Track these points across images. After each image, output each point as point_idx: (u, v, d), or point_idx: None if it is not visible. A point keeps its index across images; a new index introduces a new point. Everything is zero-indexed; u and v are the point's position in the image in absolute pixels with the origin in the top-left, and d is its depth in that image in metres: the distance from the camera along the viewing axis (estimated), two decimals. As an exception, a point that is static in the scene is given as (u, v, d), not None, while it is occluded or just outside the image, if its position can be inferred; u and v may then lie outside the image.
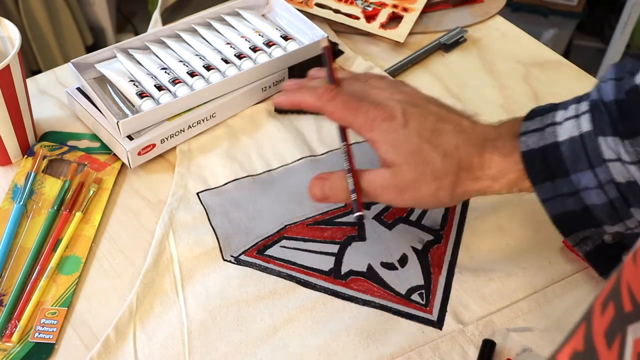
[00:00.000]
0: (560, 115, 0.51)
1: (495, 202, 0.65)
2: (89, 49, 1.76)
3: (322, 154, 0.70)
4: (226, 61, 0.73)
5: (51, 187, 0.66)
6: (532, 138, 0.51)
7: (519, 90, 0.78)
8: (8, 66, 0.62)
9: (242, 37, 0.76)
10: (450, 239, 0.63)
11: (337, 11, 0.86)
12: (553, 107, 0.52)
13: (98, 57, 0.73)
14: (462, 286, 0.59)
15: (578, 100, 0.51)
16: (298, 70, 0.76)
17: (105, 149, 0.70)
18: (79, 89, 0.72)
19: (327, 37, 0.76)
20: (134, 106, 0.69)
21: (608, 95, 0.49)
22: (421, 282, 0.60)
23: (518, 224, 0.64)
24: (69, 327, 0.57)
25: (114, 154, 0.70)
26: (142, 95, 0.69)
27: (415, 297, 0.59)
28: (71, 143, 0.71)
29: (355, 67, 0.79)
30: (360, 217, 0.55)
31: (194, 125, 0.70)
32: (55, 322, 0.57)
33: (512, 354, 0.55)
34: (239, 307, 0.58)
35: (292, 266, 0.61)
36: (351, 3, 0.87)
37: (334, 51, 0.80)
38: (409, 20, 0.85)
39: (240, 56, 0.74)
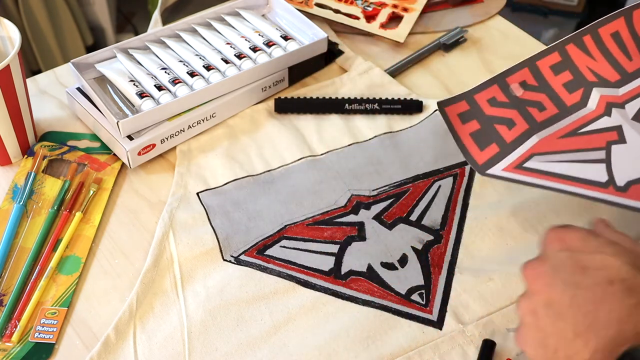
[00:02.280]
0: None
1: (495, 202, 0.65)
2: (89, 49, 1.76)
3: (322, 154, 0.70)
4: (226, 61, 0.73)
5: (51, 187, 0.66)
6: None
7: (519, 90, 0.78)
8: (8, 66, 0.62)
9: (242, 37, 0.76)
10: (450, 239, 0.63)
11: (337, 11, 0.86)
12: None
13: (98, 57, 0.73)
14: (462, 286, 0.59)
15: None
16: (298, 70, 0.76)
17: (105, 149, 0.70)
18: (79, 89, 0.72)
19: (327, 36, 0.76)
20: (134, 106, 0.69)
21: None
22: (421, 282, 0.60)
23: (518, 224, 0.64)
24: (69, 327, 0.57)
25: (114, 154, 0.70)
26: (142, 95, 0.69)
27: (415, 297, 0.59)
28: (71, 143, 0.71)
29: (355, 67, 0.79)
30: None
31: (194, 125, 0.70)
32: (55, 322, 0.57)
33: (512, 354, 0.55)
34: (239, 307, 0.58)
35: (292, 266, 0.61)
36: (351, 3, 0.87)
37: (334, 51, 0.81)
38: (409, 20, 0.85)
39: (240, 56, 0.74)
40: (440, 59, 0.82)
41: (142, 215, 0.65)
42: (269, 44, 0.75)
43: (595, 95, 0.62)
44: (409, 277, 0.60)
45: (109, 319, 0.57)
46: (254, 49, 0.75)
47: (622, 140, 0.59)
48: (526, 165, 0.59)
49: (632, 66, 0.63)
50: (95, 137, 0.71)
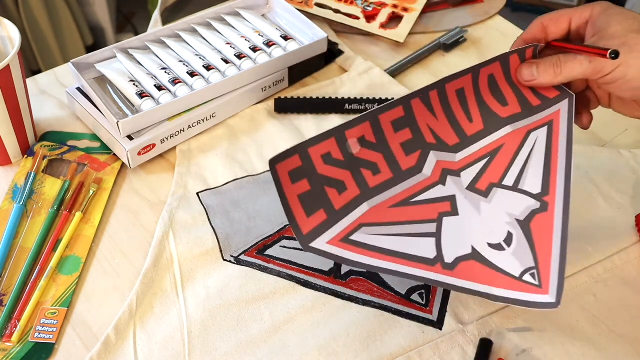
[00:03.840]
0: None
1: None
2: (89, 49, 1.76)
3: (322, 154, 0.70)
4: (226, 61, 0.73)
5: (51, 187, 0.66)
6: None
7: (519, 90, 0.78)
8: (8, 66, 0.62)
9: (242, 37, 0.76)
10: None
11: (337, 11, 0.86)
12: None
13: (98, 57, 0.73)
14: (462, 286, 0.59)
15: None
16: (298, 70, 0.76)
17: (105, 149, 0.70)
18: (79, 89, 0.72)
19: (327, 36, 0.76)
20: (134, 106, 0.69)
21: None
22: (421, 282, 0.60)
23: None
24: (69, 327, 0.57)
25: (114, 154, 0.70)
26: (142, 95, 0.69)
27: (415, 297, 0.59)
28: (71, 143, 0.71)
29: (355, 67, 0.79)
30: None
31: (194, 125, 0.70)
32: (55, 322, 0.57)
33: (511, 354, 0.55)
34: (239, 307, 0.58)
35: (292, 266, 0.61)
36: (351, 3, 0.87)
37: (334, 51, 0.81)
38: (409, 20, 0.85)
39: (240, 56, 0.74)
40: (440, 59, 0.82)
41: (142, 215, 0.65)
42: (269, 44, 0.75)
43: (432, 160, 0.58)
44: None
45: (109, 319, 0.57)
46: (254, 49, 0.75)
47: (454, 212, 0.57)
48: (353, 237, 0.55)
49: (472, 129, 0.59)
50: (95, 137, 0.71)
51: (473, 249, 0.56)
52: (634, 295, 0.59)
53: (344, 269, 0.61)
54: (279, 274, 0.60)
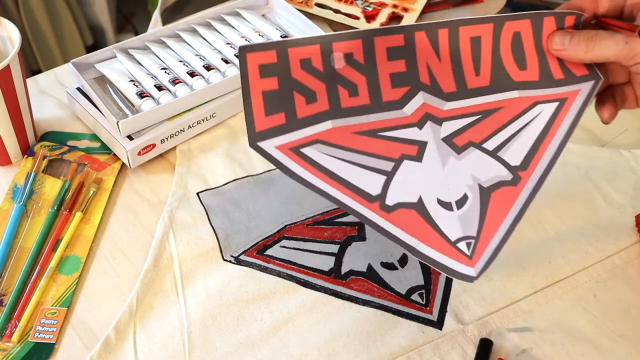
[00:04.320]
0: None
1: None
2: (89, 49, 1.76)
3: (322, 154, 0.70)
4: (226, 61, 0.73)
5: (51, 187, 0.66)
6: None
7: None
8: (8, 66, 0.62)
9: (242, 37, 0.76)
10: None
11: (337, 11, 0.86)
12: None
13: (98, 57, 0.73)
14: (462, 286, 0.59)
15: None
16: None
17: (105, 149, 0.70)
18: (79, 89, 0.72)
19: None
20: (134, 106, 0.69)
21: None
22: (421, 282, 0.60)
23: (518, 224, 0.64)
24: (69, 327, 0.57)
25: (114, 154, 0.70)
26: (142, 95, 0.69)
27: (415, 297, 0.59)
28: (71, 143, 0.71)
29: (355, 67, 0.79)
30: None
31: (194, 125, 0.70)
32: (55, 322, 0.57)
33: (511, 354, 0.55)
34: (239, 307, 0.58)
35: (292, 266, 0.61)
36: (351, 3, 0.87)
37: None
38: (409, 20, 0.85)
39: (240, 56, 0.74)
40: (440, 59, 0.82)
41: (142, 215, 0.65)
42: (269, 44, 0.75)
43: (418, 100, 0.54)
44: (409, 277, 0.60)
45: (109, 319, 0.57)
46: (254, 49, 0.74)
47: (418, 158, 0.53)
48: (304, 150, 0.52)
49: (475, 82, 0.55)
50: (95, 137, 0.71)
51: (420, 199, 0.52)
52: (634, 295, 0.59)
53: (344, 268, 0.61)
54: (279, 274, 0.60)
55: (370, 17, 0.85)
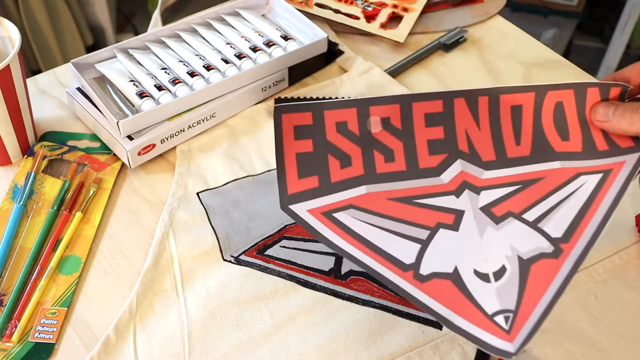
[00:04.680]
0: None
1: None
2: (89, 49, 1.76)
3: (322, 154, 0.70)
4: (226, 61, 0.73)
5: (51, 187, 0.66)
6: None
7: (519, 90, 0.78)
8: (8, 66, 0.62)
9: (242, 37, 0.76)
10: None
11: (337, 11, 0.86)
12: None
13: (98, 57, 0.73)
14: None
15: None
16: (298, 70, 0.76)
17: (105, 149, 0.70)
18: (79, 89, 0.72)
19: (327, 36, 0.76)
20: (134, 106, 0.69)
21: None
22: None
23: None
24: (69, 327, 0.57)
25: (114, 154, 0.70)
26: (142, 95, 0.69)
27: (415, 297, 0.59)
28: (71, 143, 0.71)
29: (355, 67, 0.79)
30: None
31: (194, 125, 0.70)
32: (55, 322, 0.57)
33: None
34: (239, 307, 0.58)
35: (292, 266, 0.61)
36: (351, 3, 0.87)
37: (334, 51, 0.81)
38: (409, 20, 0.85)
39: (240, 56, 0.74)
40: (440, 59, 0.82)
41: (142, 215, 0.65)
42: (269, 44, 0.75)
43: (456, 168, 0.53)
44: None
45: (109, 319, 0.57)
46: (254, 49, 0.75)
47: (455, 227, 0.52)
48: (336, 215, 0.51)
49: (515, 152, 0.54)
50: (95, 137, 0.71)
51: (455, 269, 0.51)
52: (634, 295, 0.59)
53: (344, 268, 0.61)
54: (279, 274, 0.60)
55: (370, 17, 0.85)
